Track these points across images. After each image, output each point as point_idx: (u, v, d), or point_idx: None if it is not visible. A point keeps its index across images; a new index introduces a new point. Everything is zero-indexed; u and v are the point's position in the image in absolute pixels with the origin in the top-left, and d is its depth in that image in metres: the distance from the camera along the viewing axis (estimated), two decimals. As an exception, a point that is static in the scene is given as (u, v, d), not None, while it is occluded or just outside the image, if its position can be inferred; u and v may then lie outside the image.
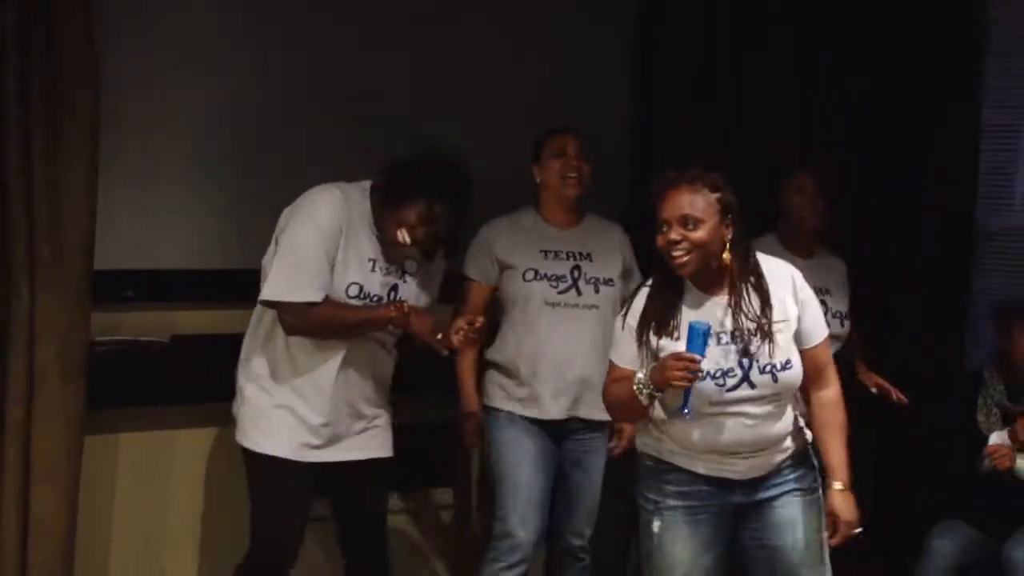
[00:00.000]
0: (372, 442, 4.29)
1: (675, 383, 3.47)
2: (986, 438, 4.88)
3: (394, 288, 4.17)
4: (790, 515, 3.76)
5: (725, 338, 3.61)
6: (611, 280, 4.61)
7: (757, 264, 3.69)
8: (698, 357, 3.45)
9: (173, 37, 4.67)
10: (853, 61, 5.74)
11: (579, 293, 4.54)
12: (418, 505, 5.24)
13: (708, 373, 3.56)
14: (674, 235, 3.52)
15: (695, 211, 3.53)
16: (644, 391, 3.57)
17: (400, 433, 4.50)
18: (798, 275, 3.76)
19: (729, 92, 5.55)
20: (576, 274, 4.57)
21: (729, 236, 3.57)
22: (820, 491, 3.80)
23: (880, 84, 5.78)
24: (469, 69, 5.23)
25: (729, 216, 3.58)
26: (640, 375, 3.60)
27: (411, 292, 4.20)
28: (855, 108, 5.71)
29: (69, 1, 4.23)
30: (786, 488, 3.77)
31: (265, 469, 4.19)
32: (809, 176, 4.96)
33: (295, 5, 4.91)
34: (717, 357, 3.58)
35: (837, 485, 3.72)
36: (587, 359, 4.51)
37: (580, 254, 4.62)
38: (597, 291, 4.55)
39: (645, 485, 3.83)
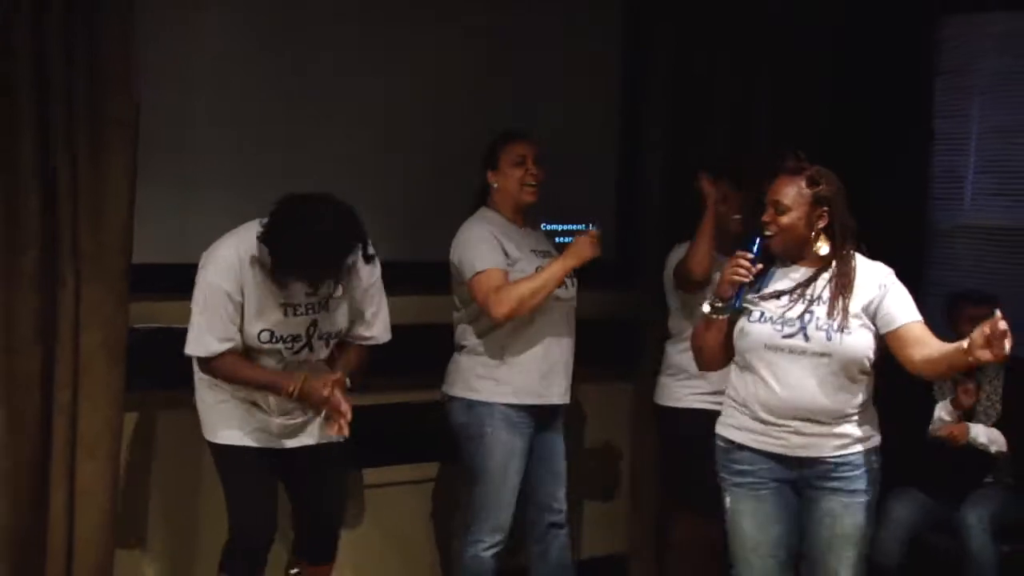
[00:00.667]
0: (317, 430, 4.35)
1: (732, 277, 3.67)
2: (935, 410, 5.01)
3: (314, 324, 4.14)
4: (831, 509, 3.80)
5: (797, 295, 3.74)
6: (573, 278, 4.72)
7: (850, 255, 3.80)
8: (750, 255, 3.67)
9: (203, 52, 4.69)
10: (822, 80, 5.77)
11: (564, 287, 4.58)
12: (396, 478, 5.18)
13: (770, 317, 3.73)
14: (767, 218, 3.78)
15: (788, 197, 3.75)
16: (709, 304, 3.77)
17: (391, 413, 4.68)
18: (890, 274, 3.88)
19: (706, 108, 5.52)
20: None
21: (821, 224, 3.74)
22: (868, 497, 3.82)
23: (845, 100, 5.82)
24: (470, 80, 5.19)
25: (823, 208, 3.73)
26: (709, 295, 3.89)
27: (331, 323, 4.18)
28: (823, 122, 5.73)
29: (111, 17, 4.24)
30: (832, 485, 3.80)
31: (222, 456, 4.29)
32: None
33: (305, 24, 4.85)
34: (783, 307, 3.73)
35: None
36: (566, 346, 4.62)
37: (546, 252, 4.68)
38: (574, 284, 4.62)
39: (719, 465, 3.96)
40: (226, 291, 4.01)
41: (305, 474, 4.37)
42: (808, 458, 3.77)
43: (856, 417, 3.77)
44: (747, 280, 3.72)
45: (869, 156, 5.75)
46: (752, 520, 3.87)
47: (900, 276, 5.30)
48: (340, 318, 4.18)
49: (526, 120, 4.95)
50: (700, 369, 4.21)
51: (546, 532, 4.73)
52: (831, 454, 3.76)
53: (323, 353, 4.21)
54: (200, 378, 4.26)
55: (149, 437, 4.67)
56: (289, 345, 4.12)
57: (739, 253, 3.75)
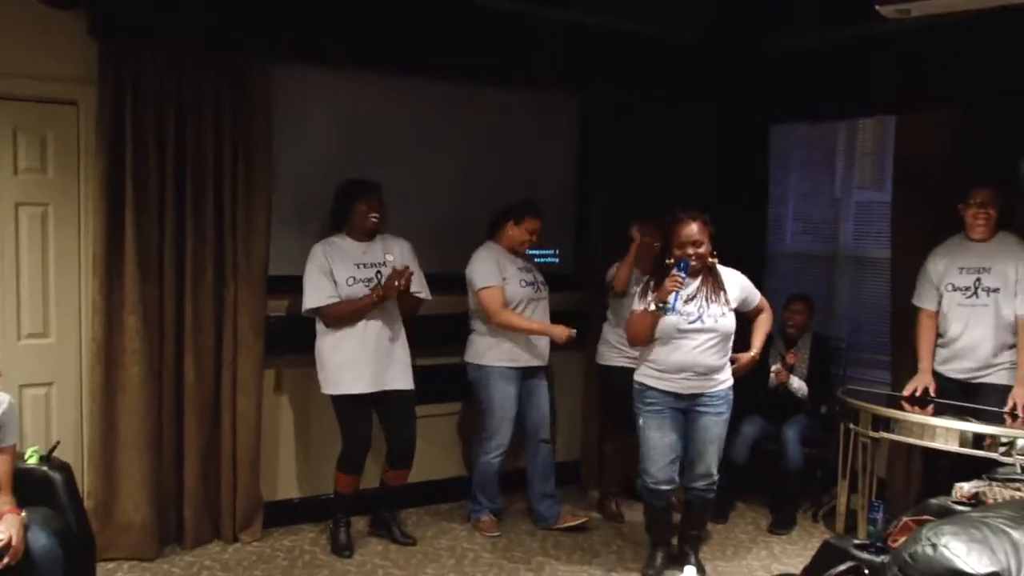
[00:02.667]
0: (399, 377, 4.70)
1: (670, 287, 4.06)
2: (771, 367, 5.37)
3: (378, 272, 4.61)
4: (707, 423, 4.32)
5: (692, 299, 4.20)
6: (545, 283, 5.05)
7: (716, 267, 4.31)
8: (682, 275, 4.09)
9: (311, 143, 5.05)
10: (704, 160, 6.01)
11: (538, 291, 5.02)
12: (438, 412, 5.43)
13: (680, 312, 4.15)
14: (690, 251, 4.17)
15: (701, 236, 4.21)
16: (652, 305, 4.13)
17: (429, 371, 4.97)
18: (742, 275, 4.41)
19: (633, 175, 5.75)
20: (535, 279, 5.04)
21: (711, 250, 4.24)
22: (727, 415, 4.36)
23: (718, 173, 6.05)
24: (468, 161, 5.47)
25: (712, 239, 4.24)
26: (650, 299, 4.16)
27: (387, 272, 4.58)
28: (704, 187, 5.85)
29: (258, 124, 4.65)
30: (710, 410, 4.32)
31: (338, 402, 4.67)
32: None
33: (376, 127, 5.17)
34: (689, 308, 4.18)
35: (752, 351, 4.40)
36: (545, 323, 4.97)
37: (527, 268, 5.05)
38: (546, 288, 5.04)
39: (636, 400, 4.38)
40: (322, 264, 4.55)
41: (392, 409, 4.75)
42: (694, 394, 4.29)
43: (723, 369, 4.33)
44: (680, 289, 4.11)
45: (730, 208, 5.75)
46: (657, 433, 4.31)
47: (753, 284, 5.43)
48: (388, 271, 4.57)
49: (517, 181, 5.40)
50: (633, 345, 4.49)
51: (537, 447, 5.13)
52: (709, 391, 4.30)
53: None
54: (321, 343, 4.62)
55: (279, 383, 5.02)
56: (365, 284, 4.58)
57: (675, 273, 4.11)
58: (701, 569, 4.50)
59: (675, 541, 4.65)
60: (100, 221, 4.39)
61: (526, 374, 5.05)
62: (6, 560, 3.10)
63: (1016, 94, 4.69)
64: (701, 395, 4.31)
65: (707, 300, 4.27)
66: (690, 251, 4.19)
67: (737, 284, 4.40)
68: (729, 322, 4.30)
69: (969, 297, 4.54)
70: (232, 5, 4.56)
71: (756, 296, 4.49)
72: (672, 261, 4.23)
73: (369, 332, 4.63)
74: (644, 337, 4.29)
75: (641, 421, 4.36)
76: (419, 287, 4.75)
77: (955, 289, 4.57)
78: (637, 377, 4.40)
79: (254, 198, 4.71)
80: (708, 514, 4.70)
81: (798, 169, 6.39)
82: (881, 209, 5.76)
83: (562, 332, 4.86)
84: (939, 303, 4.65)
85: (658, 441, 4.33)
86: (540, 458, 5.17)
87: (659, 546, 4.59)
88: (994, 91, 4.78)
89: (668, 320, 4.20)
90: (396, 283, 4.49)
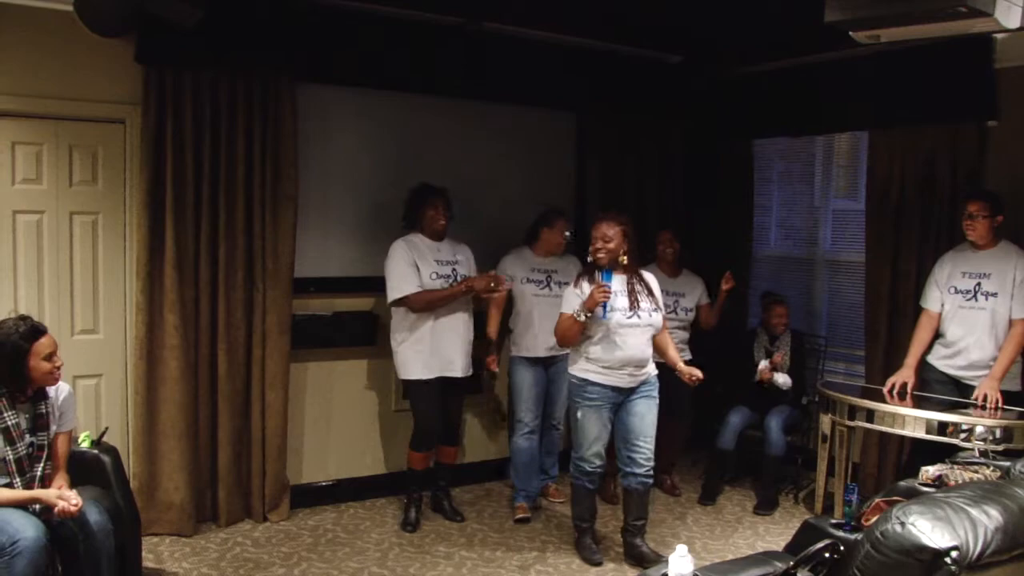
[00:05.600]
0: (462, 365, 4.80)
1: (599, 298, 4.07)
2: (757, 362, 5.43)
3: (454, 270, 4.72)
4: (643, 408, 4.33)
5: (624, 296, 4.21)
6: (563, 283, 4.84)
7: (638, 269, 4.35)
8: (608, 285, 4.09)
9: (338, 152, 5.07)
10: (691, 176, 6.19)
11: (550, 288, 5.04)
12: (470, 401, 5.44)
13: (620, 309, 4.17)
14: (599, 244, 4.23)
15: (610, 232, 4.25)
16: (581, 314, 4.13)
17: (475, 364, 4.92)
18: (655, 281, 4.41)
19: (619, 191, 5.86)
20: (549, 279, 5.08)
21: (624, 249, 4.27)
22: (658, 399, 4.35)
23: (706, 187, 6.23)
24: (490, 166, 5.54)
25: (627, 238, 4.26)
26: (577, 306, 4.15)
27: (463, 269, 4.75)
28: (694, 200, 6.17)
29: (286, 136, 4.70)
30: (645, 395, 4.34)
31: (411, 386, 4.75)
32: (669, 233, 5.42)
33: (399, 137, 5.22)
34: (623, 304, 4.20)
35: (679, 365, 4.38)
36: (552, 325, 4.84)
37: (552, 271, 5.10)
38: (560, 288, 4.87)
39: (574, 392, 4.34)
40: (408, 258, 4.62)
41: (450, 393, 4.85)
42: (630, 388, 4.29)
43: (651, 358, 4.34)
44: (607, 300, 4.12)
45: (717, 216, 6.25)
46: (596, 425, 4.27)
47: (738, 284, 5.63)
48: (463, 269, 4.72)
49: (530, 193, 5.47)
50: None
51: (549, 430, 5.26)
52: (641, 382, 4.31)
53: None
54: (399, 335, 4.71)
55: (304, 376, 5.09)
56: (445, 280, 4.68)
57: (601, 283, 4.10)
58: (656, 555, 4.37)
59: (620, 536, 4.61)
60: (143, 228, 4.49)
61: (547, 363, 5.12)
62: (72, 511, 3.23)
63: (963, 117, 4.83)
64: (636, 387, 4.33)
65: (636, 296, 4.27)
66: (598, 245, 4.24)
67: (657, 285, 4.45)
68: (658, 319, 4.33)
69: (969, 300, 4.51)
70: (262, 33, 4.67)
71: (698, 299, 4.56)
72: (591, 259, 4.29)
73: (435, 324, 4.71)
74: (574, 340, 4.28)
75: (580, 414, 4.32)
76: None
77: (957, 292, 4.55)
78: (577, 372, 4.34)
79: (282, 206, 4.79)
80: (648, 501, 4.51)
81: (780, 180, 6.43)
82: (856, 217, 5.83)
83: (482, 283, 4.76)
84: (942, 305, 4.62)
85: (597, 431, 4.31)
86: (547, 439, 5.28)
87: (589, 531, 4.53)
88: (952, 112, 4.89)
89: (603, 320, 4.18)
90: (488, 284, 4.59)
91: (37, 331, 3.34)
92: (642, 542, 4.47)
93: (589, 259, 4.33)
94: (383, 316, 5.05)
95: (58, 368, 3.41)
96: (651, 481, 4.44)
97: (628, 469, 4.38)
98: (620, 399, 4.33)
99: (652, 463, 4.38)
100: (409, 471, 4.94)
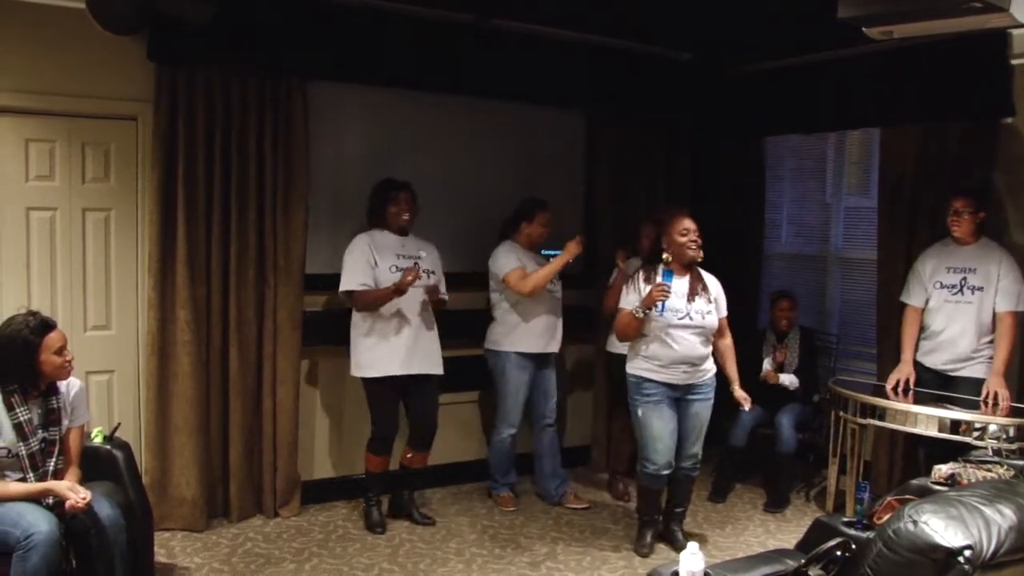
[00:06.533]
0: (426, 362, 4.67)
1: (656, 297, 4.12)
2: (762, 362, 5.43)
3: (416, 264, 4.53)
4: (698, 408, 4.39)
5: (682, 297, 4.25)
6: (558, 278, 4.97)
7: (699, 271, 4.38)
8: (667, 284, 4.16)
9: (347, 150, 5.10)
10: (707, 173, 6.15)
11: (551, 282, 4.96)
12: (464, 399, 5.52)
13: (673, 310, 4.20)
14: (694, 237, 4.29)
15: (695, 225, 4.33)
16: (640, 311, 4.18)
17: (452, 361, 4.87)
18: (719, 284, 4.43)
19: (625, 188, 5.83)
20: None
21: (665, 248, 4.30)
22: (713, 399, 4.42)
23: (719, 184, 6.21)
24: (499, 166, 5.53)
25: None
26: (636, 304, 4.20)
27: (426, 264, 4.61)
28: (708, 197, 6.04)
29: (297, 138, 4.72)
30: (701, 396, 4.39)
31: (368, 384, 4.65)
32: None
33: (404, 136, 5.22)
34: (678, 305, 4.22)
35: (735, 385, 4.46)
36: (553, 317, 5.02)
37: (537, 260, 5.02)
38: (555, 283, 4.96)
39: (632, 390, 4.37)
40: (365, 254, 4.53)
41: (417, 393, 4.73)
42: (688, 384, 4.33)
43: (709, 358, 4.39)
44: (665, 299, 4.17)
45: (729, 213, 6.17)
46: (659, 422, 4.31)
47: (749, 282, 5.84)
48: (424, 265, 4.57)
49: (534, 188, 5.34)
50: (622, 341, 4.47)
51: (542, 429, 5.20)
52: (698, 381, 4.36)
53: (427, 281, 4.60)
54: (355, 331, 4.60)
55: (315, 372, 5.10)
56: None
57: (660, 282, 4.18)
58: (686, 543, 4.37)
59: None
60: (155, 225, 4.50)
61: (538, 361, 5.10)
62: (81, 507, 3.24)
63: (978, 114, 4.78)
64: (693, 384, 4.36)
65: (691, 297, 4.31)
66: (693, 237, 4.31)
67: (717, 287, 4.46)
68: (713, 320, 4.35)
69: (955, 294, 4.58)
70: (273, 31, 4.66)
71: (724, 310, 4.49)
72: (666, 258, 4.31)
73: (400, 321, 4.64)
74: (632, 336, 4.33)
75: (640, 412, 4.35)
76: (443, 290, 4.82)
77: (943, 287, 4.61)
78: (633, 370, 4.39)
79: (292, 203, 4.80)
80: (691, 490, 4.70)
81: (792, 177, 6.41)
82: (868, 214, 5.80)
83: (574, 247, 4.80)
84: (926, 300, 4.68)
85: (660, 430, 4.35)
86: (546, 440, 5.26)
87: (649, 525, 4.60)
88: (965, 109, 4.84)
89: (659, 319, 4.24)
90: (408, 279, 4.47)
91: (47, 326, 3.36)
92: (678, 527, 4.61)
93: (664, 256, 4.32)
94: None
95: (69, 362, 3.42)
96: (695, 474, 4.56)
97: (677, 461, 4.46)
98: (677, 395, 4.35)
99: (699, 458, 4.50)
100: (367, 474, 4.82)
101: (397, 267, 4.61)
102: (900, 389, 4.67)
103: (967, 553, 2.22)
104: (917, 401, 4.50)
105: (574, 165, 5.96)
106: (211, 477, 4.76)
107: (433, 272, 4.75)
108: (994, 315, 4.51)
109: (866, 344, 5.71)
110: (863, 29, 3.38)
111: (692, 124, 6.12)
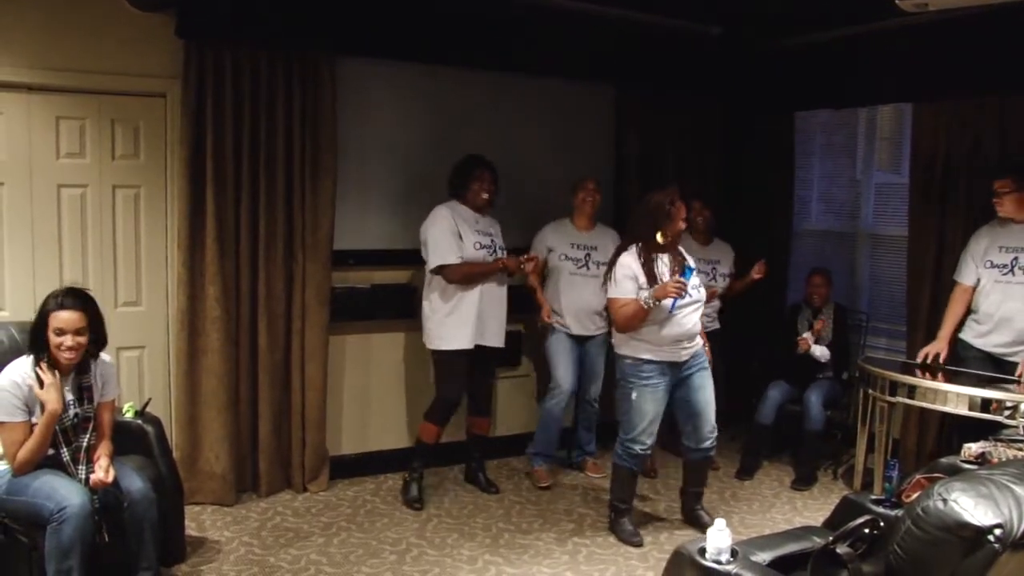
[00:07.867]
0: (495, 335, 4.76)
1: (672, 292, 4.03)
2: (798, 335, 5.39)
3: (493, 241, 4.67)
4: (700, 380, 4.33)
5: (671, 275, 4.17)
6: (601, 263, 4.87)
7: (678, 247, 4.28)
8: (686, 281, 4.11)
9: (375, 128, 5.07)
10: (735, 147, 6.18)
11: (588, 268, 5.04)
12: (520, 372, 5.66)
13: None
14: (683, 223, 4.23)
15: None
16: (650, 303, 4.07)
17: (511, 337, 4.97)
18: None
19: (652, 163, 5.83)
20: (588, 258, 5.06)
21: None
22: (708, 365, 4.36)
23: (748, 161, 6.20)
24: (534, 145, 5.53)
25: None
26: (645, 295, 4.07)
27: (499, 242, 4.72)
28: (735, 174, 6.16)
29: (326, 114, 4.73)
30: (698, 364, 4.33)
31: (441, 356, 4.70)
32: (700, 202, 5.37)
33: (432, 113, 5.19)
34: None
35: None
36: (594, 301, 5.02)
37: (592, 247, 5.07)
38: (598, 268, 4.91)
39: (628, 372, 4.26)
40: (450, 226, 4.56)
41: (479, 363, 4.80)
42: (685, 361, 4.26)
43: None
44: (680, 296, 4.09)
45: (757, 189, 6.22)
46: (652, 405, 4.22)
47: (775, 258, 5.70)
48: (498, 242, 4.69)
49: (568, 167, 5.37)
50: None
51: (586, 406, 5.29)
52: (695, 353, 4.30)
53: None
54: (433, 304, 4.65)
55: (343, 349, 5.12)
56: (488, 252, 4.63)
57: (680, 279, 4.09)
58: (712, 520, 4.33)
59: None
60: (184, 201, 4.51)
61: (582, 341, 5.15)
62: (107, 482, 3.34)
63: (1016, 89, 4.68)
64: (691, 357, 4.32)
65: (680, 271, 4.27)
66: (683, 225, 4.28)
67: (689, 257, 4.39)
68: (704, 292, 4.40)
69: (1006, 274, 4.48)
70: (301, 7, 4.65)
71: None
72: (662, 240, 4.19)
73: (478, 294, 4.66)
74: (637, 327, 4.18)
75: (635, 395, 4.24)
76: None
77: (993, 266, 4.51)
78: (629, 352, 4.25)
79: (320, 179, 4.80)
80: (708, 471, 4.65)
81: (822, 153, 6.34)
82: (899, 191, 5.74)
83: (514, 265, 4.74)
84: (977, 280, 4.59)
85: (652, 413, 4.27)
86: (584, 415, 5.34)
87: (626, 512, 4.46)
88: (1001, 84, 4.75)
89: (674, 311, 4.16)
90: (529, 267, 4.60)
91: (61, 304, 3.35)
92: (699, 506, 4.57)
93: (660, 239, 4.19)
94: (421, 289, 4.98)
95: (68, 348, 3.34)
96: (713, 452, 4.51)
97: (692, 444, 4.43)
98: (676, 375, 4.29)
99: (716, 433, 4.43)
100: (418, 444, 4.84)
101: (480, 244, 4.63)
102: (929, 360, 4.61)
103: (997, 532, 2.19)
104: (949, 378, 4.42)
105: (604, 141, 5.89)
106: (240, 452, 4.79)
107: (504, 249, 4.80)
108: None
109: (896, 322, 5.67)
110: (896, 2, 3.33)
111: (722, 99, 6.05)
